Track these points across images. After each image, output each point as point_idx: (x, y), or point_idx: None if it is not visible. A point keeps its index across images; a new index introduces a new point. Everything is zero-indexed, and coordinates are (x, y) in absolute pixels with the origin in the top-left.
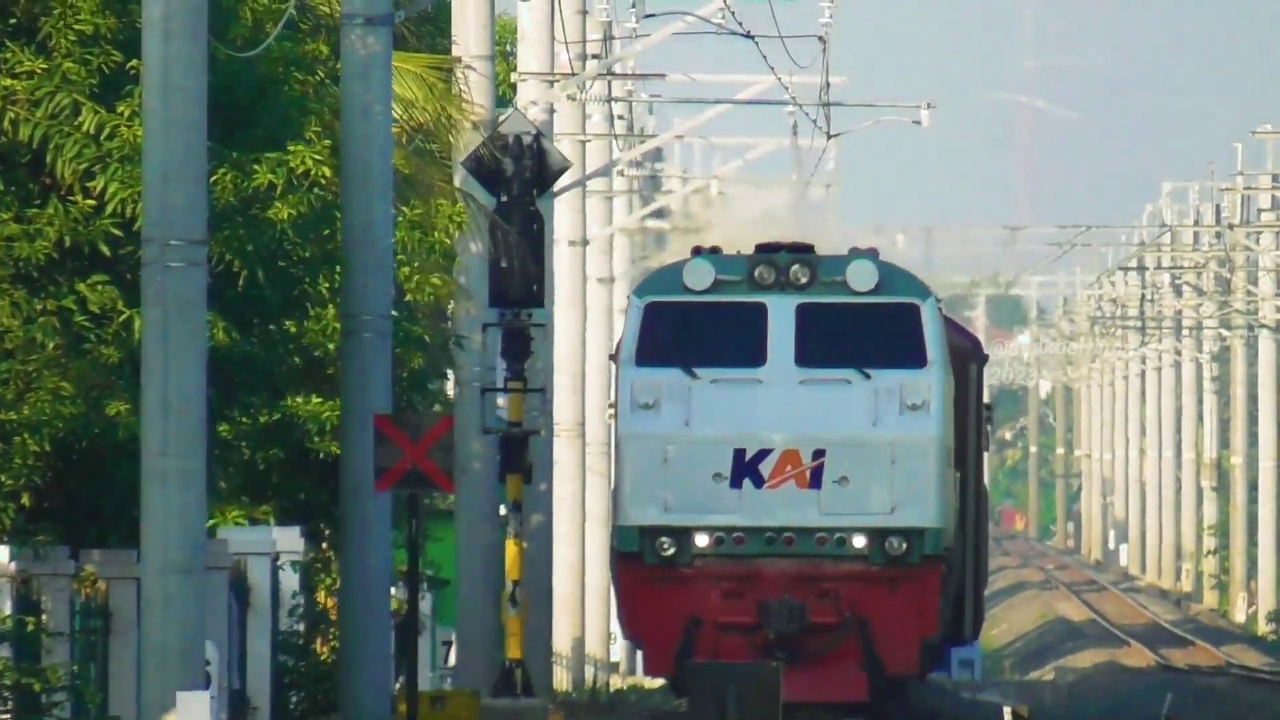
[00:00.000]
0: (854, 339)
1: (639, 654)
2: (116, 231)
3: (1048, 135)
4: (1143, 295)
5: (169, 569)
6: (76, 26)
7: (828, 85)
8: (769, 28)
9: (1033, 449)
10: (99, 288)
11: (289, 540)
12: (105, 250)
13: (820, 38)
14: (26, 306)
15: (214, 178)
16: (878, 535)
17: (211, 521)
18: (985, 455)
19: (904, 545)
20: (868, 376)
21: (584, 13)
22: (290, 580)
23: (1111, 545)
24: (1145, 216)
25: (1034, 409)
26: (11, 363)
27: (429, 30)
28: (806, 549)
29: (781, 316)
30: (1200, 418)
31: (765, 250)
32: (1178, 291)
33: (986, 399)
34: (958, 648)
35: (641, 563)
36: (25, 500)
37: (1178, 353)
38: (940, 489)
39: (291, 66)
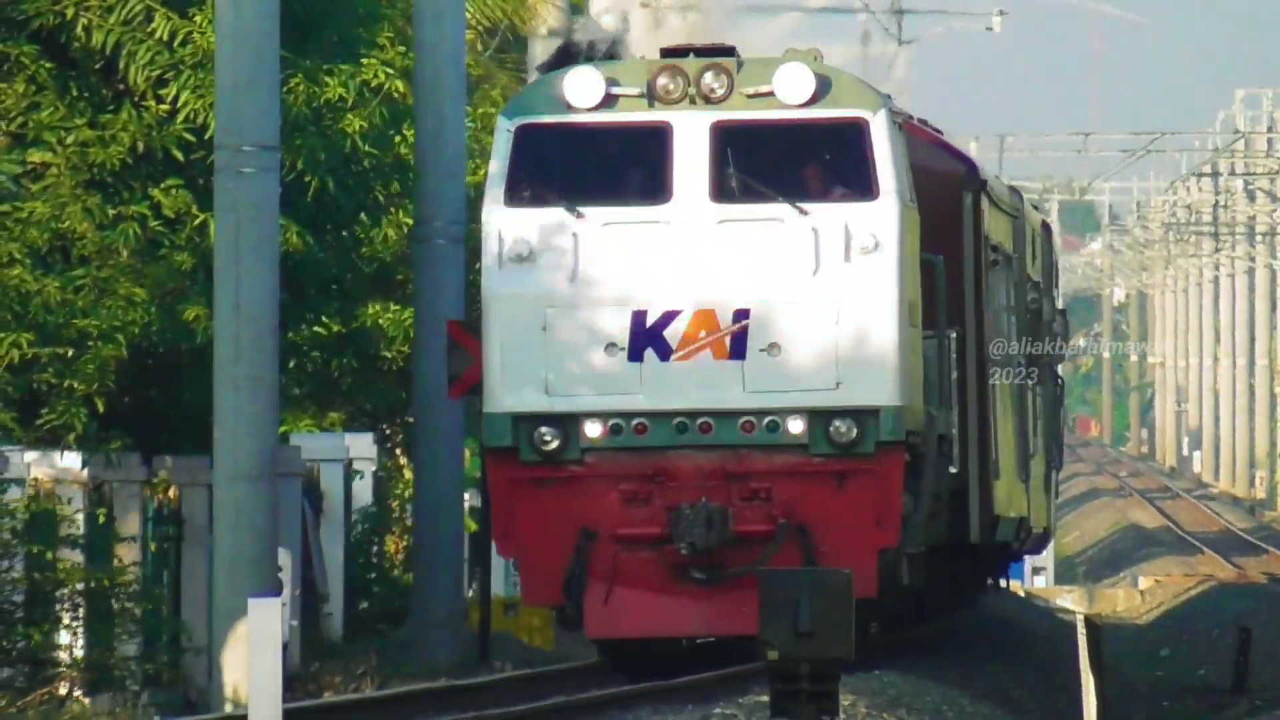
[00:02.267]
0: (785, 165)
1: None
2: (189, 137)
3: (1120, 41)
4: (1216, 202)
5: (241, 476)
6: None
7: None
8: None
9: (1106, 356)
10: (173, 192)
11: (362, 447)
12: (178, 155)
13: None
14: (100, 212)
15: (286, 87)
16: (819, 418)
17: (283, 428)
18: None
19: (853, 430)
20: (803, 213)
21: None
22: (363, 487)
23: (1185, 452)
24: (1218, 123)
25: (1107, 316)
26: (86, 268)
27: None
28: (728, 438)
29: (691, 139)
30: (1274, 325)
31: (671, 55)
32: (1251, 197)
33: (1060, 304)
34: (1032, 554)
35: (517, 460)
36: (99, 406)
37: (1251, 259)
38: (901, 356)
39: None
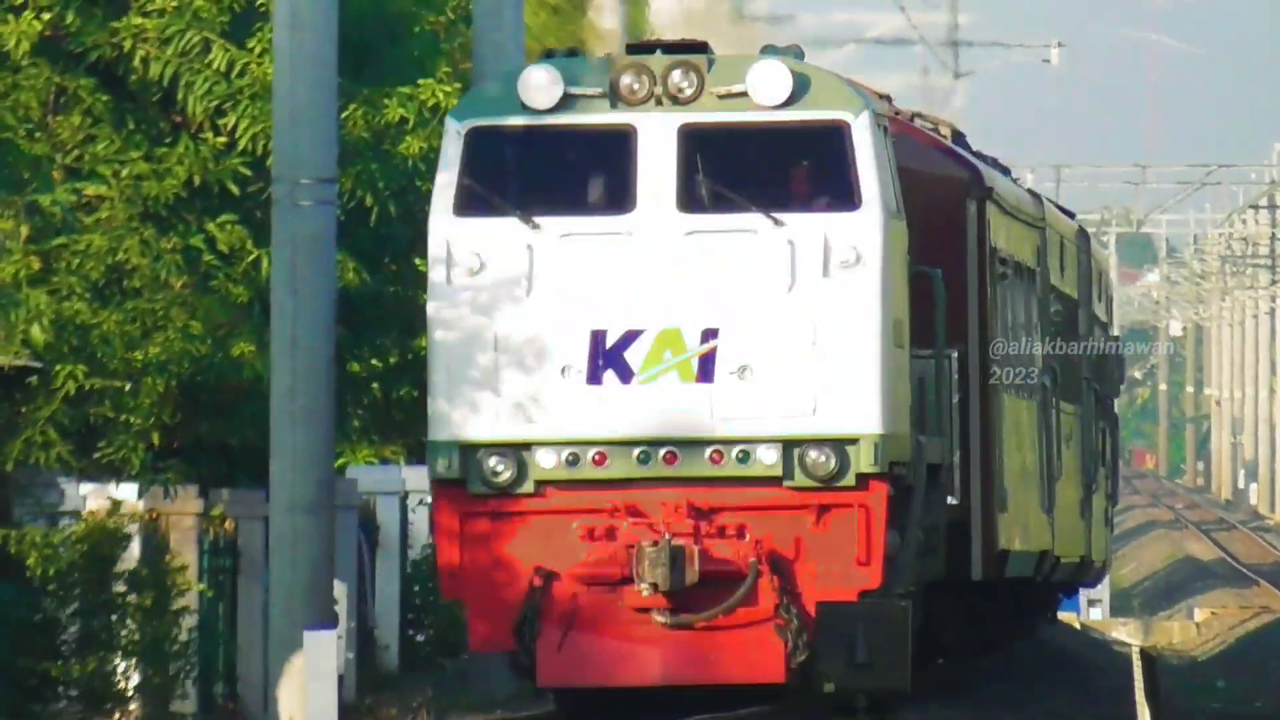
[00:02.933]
0: (759, 172)
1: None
2: (245, 170)
3: (1176, 73)
4: (1273, 234)
5: (297, 508)
6: None
7: (956, 24)
8: None
9: (1162, 388)
10: (228, 227)
11: (419, 479)
12: (234, 189)
13: None
14: (155, 245)
15: (344, 114)
16: (795, 447)
17: (340, 460)
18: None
19: (831, 461)
20: (778, 224)
21: None
22: (420, 519)
23: (1241, 484)
24: (1275, 155)
25: (1163, 348)
26: (139, 301)
27: None
28: (695, 469)
29: (657, 143)
30: None
31: (637, 52)
32: None
33: (1115, 331)
34: (1087, 587)
35: (465, 493)
36: (154, 439)
37: None
38: (884, 380)
39: (421, 5)
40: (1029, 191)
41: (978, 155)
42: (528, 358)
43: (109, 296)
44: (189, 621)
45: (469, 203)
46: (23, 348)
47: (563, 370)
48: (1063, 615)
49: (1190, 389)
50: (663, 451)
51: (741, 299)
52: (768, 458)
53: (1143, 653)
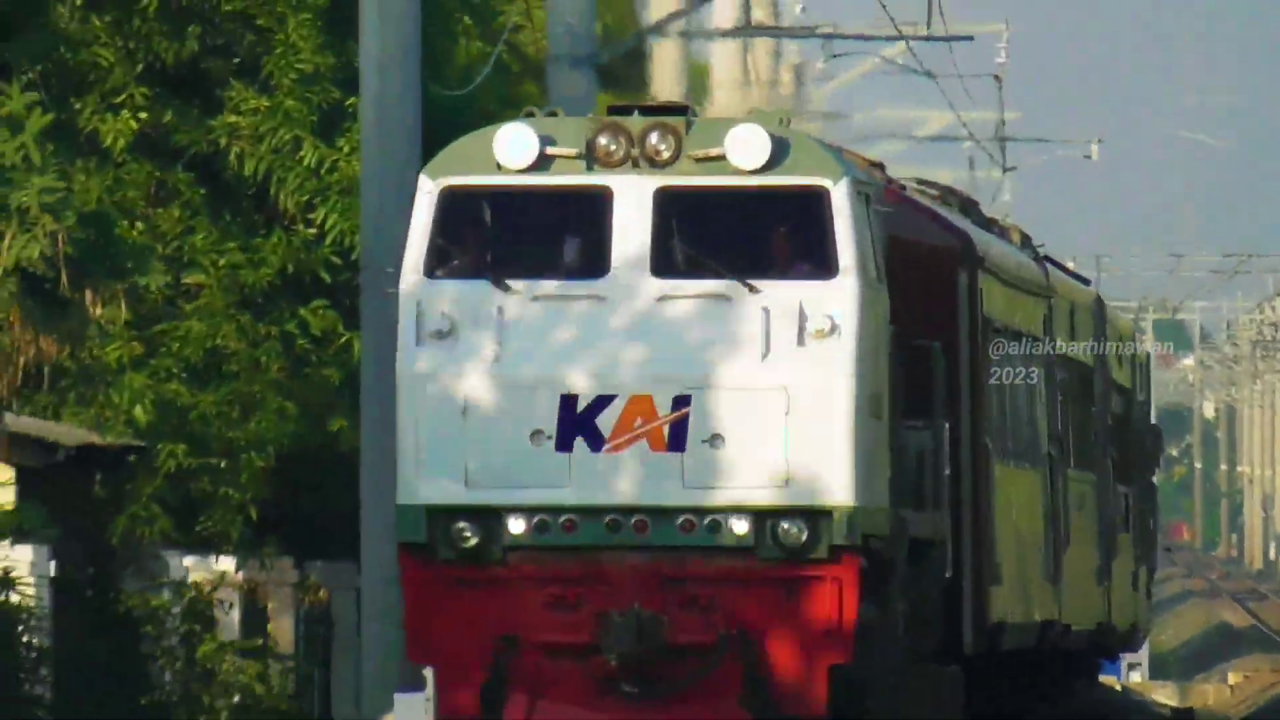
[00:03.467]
0: (735, 237)
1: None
2: (336, 260)
3: (1210, 167)
4: None
5: (388, 580)
6: (297, 65)
7: (1003, 122)
8: (947, 68)
9: (1198, 466)
10: (320, 312)
11: None
12: (325, 277)
13: (995, 76)
14: (251, 330)
15: None
16: (766, 518)
17: None
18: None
19: (803, 533)
20: (753, 290)
21: (777, 55)
22: None
23: (1272, 555)
24: None
25: (1198, 428)
26: (237, 384)
27: (631, 70)
28: (665, 538)
29: (633, 205)
30: None
31: (615, 113)
32: None
33: (1153, 418)
34: (1128, 651)
35: (433, 558)
36: (252, 514)
37: None
38: (859, 452)
39: (502, 105)
40: (1040, 258)
41: (987, 222)
42: (497, 422)
43: (208, 379)
44: (288, 687)
45: (440, 263)
46: (126, 427)
47: (532, 435)
48: (1104, 678)
49: (1224, 466)
50: (633, 520)
51: (714, 366)
52: (739, 528)
53: (1176, 713)
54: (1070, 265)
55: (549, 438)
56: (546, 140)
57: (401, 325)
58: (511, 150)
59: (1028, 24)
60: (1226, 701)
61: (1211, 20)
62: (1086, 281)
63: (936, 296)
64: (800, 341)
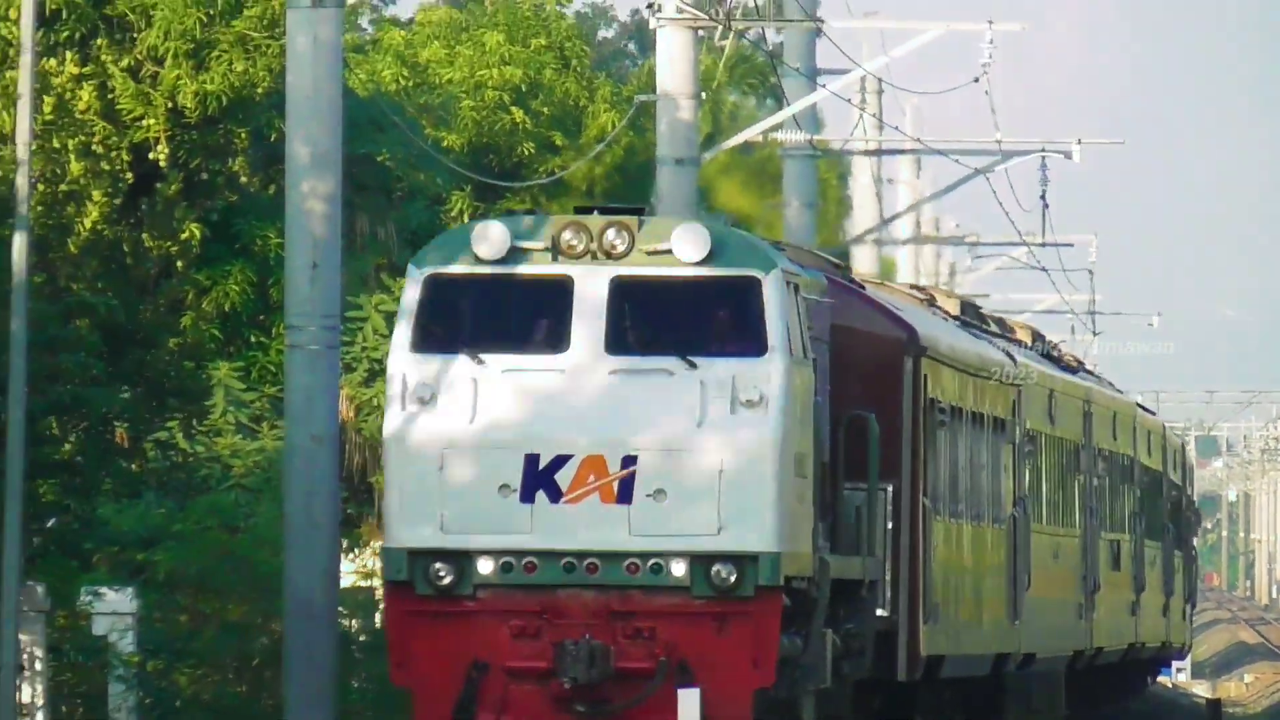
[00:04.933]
0: (678, 320)
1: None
2: None
3: (1238, 338)
4: None
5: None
6: None
7: (1093, 301)
8: (1054, 264)
9: (1224, 534)
10: None
11: None
12: None
13: (1089, 270)
14: None
15: None
16: (701, 561)
17: None
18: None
19: (733, 574)
20: (692, 366)
21: (938, 254)
22: None
23: (1274, 595)
24: None
25: (1225, 508)
26: None
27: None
28: (613, 578)
29: (590, 292)
30: None
31: (580, 213)
32: None
33: (1194, 498)
34: (1178, 659)
35: (412, 593)
36: None
37: None
38: (781, 505)
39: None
40: (1049, 355)
41: (982, 318)
42: (470, 477)
43: None
44: None
45: (424, 340)
46: None
47: (500, 489)
48: (1162, 679)
49: (1241, 534)
50: (586, 562)
51: (658, 430)
52: (678, 570)
53: (1209, 701)
54: (1138, 397)
55: (514, 491)
56: (518, 235)
57: (390, 392)
58: (486, 244)
59: (1112, 232)
60: (1243, 694)
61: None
62: (1073, 369)
63: (883, 378)
64: (732, 410)
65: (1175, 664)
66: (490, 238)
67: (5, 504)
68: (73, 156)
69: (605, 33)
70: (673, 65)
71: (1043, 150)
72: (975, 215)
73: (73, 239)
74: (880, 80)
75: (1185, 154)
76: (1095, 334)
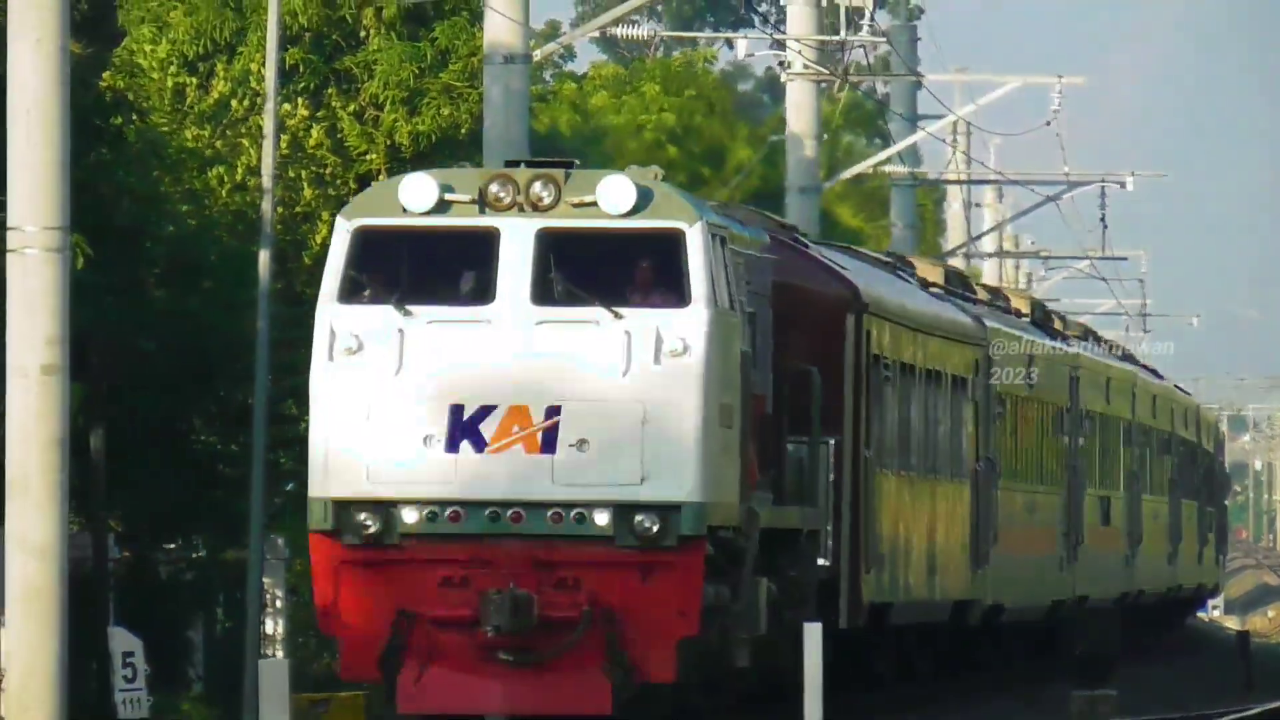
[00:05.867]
0: (604, 271)
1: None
2: None
3: (1259, 335)
4: None
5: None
6: None
7: (1145, 304)
8: (1112, 274)
9: (1251, 495)
10: None
11: None
12: None
13: (1140, 280)
14: None
15: None
16: (625, 511)
17: None
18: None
19: (656, 524)
20: (617, 317)
21: (1016, 265)
22: None
23: None
24: None
25: (1252, 475)
26: None
27: None
28: (537, 528)
29: (517, 244)
30: None
31: (509, 166)
32: None
33: (1226, 465)
34: (1211, 598)
35: (338, 543)
36: None
37: None
38: (705, 455)
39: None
40: (1044, 325)
41: (966, 284)
42: (396, 427)
43: None
44: None
45: (351, 292)
46: None
47: (425, 439)
48: (1200, 614)
49: (1265, 495)
50: (510, 511)
51: (583, 381)
52: (601, 520)
53: (1239, 632)
54: (1194, 385)
55: (439, 441)
56: (445, 188)
57: (316, 344)
58: (414, 196)
59: (1160, 246)
60: (1267, 627)
61: None
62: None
63: (826, 334)
64: (657, 360)
65: (1210, 602)
66: (418, 190)
67: (252, 471)
68: (306, 185)
69: (744, 85)
70: (799, 111)
71: (1102, 181)
72: (1047, 234)
73: (306, 252)
74: (968, 123)
75: (1218, 183)
76: (1146, 331)
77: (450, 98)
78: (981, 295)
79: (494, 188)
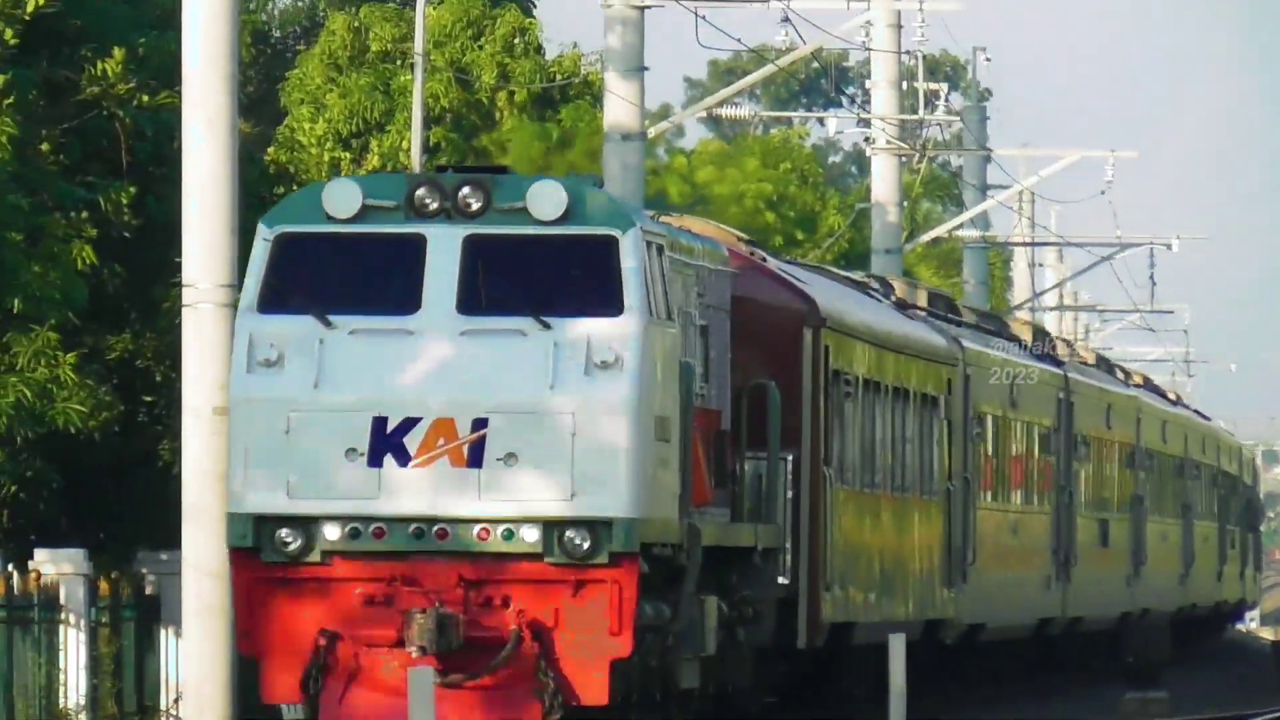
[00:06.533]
0: (534, 279)
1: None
2: None
3: None
4: None
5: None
6: None
7: (1188, 351)
8: (1160, 325)
9: None
10: None
11: None
12: None
13: (1184, 330)
14: None
15: None
16: (554, 528)
17: None
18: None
19: (586, 540)
20: (547, 327)
21: (1075, 318)
22: None
23: None
24: None
25: None
26: None
27: None
28: (465, 545)
29: (443, 251)
30: None
31: (438, 171)
32: None
33: (1261, 495)
34: (1249, 610)
35: (259, 560)
36: None
37: None
38: (638, 469)
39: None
40: (1045, 355)
41: (954, 310)
42: (317, 441)
43: None
44: None
45: (271, 300)
46: None
47: (347, 453)
48: (1239, 626)
49: None
50: (435, 528)
51: (510, 392)
52: (530, 536)
53: (1273, 643)
54: (1220, 423)
55: (361, 455)
56: (370, 193)
57: (234, 354)
58: (337, 202)
59: (1204, 301)
60: None
61: None
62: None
63: (784, 349)
64: (587, 371)
65: (1248, 614)
66: (341, 195)
67: None
68: None
69: (834, 159)
70: (883, 182)
71: (1150, 243)
72: (1101, 290)
73: None
74: (1032, 193)
75: (1255, 243)
76: (1190, 377)
77: (575, 172)
78: (968, 318)
79: (421, 193)
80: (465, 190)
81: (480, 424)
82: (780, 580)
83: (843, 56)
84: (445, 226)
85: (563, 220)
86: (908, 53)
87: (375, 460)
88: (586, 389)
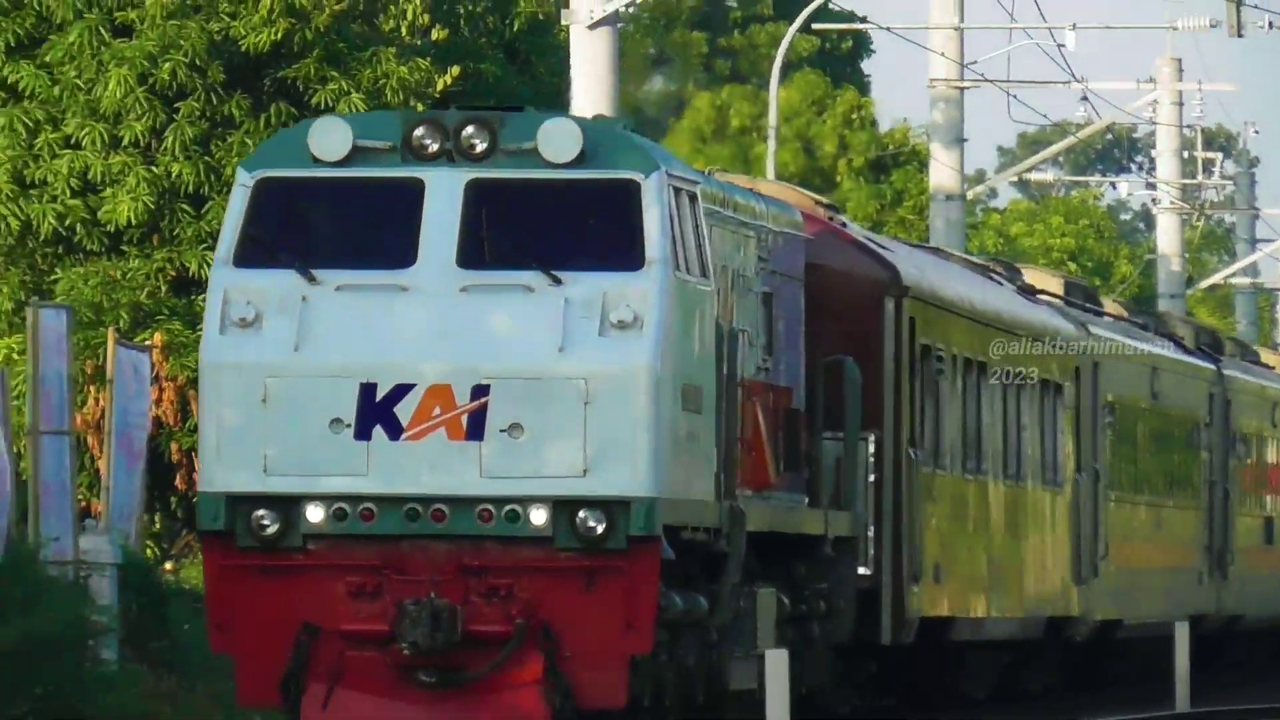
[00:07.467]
0: (543, 230)
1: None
2: None
3: None
4: None
5: None
6: None
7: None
8: None
9: None
10: None
11: None
12: None
13: None
14: None
15: None
16: (565, 508)
17: None
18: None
19: (602, 523)
20: (557, 282)
21: None
22: None
23: None
24: None
25: None
26: None
27: None
28: (463, 527)
29: (443, 198)
30: None
31: (438, 108)
32: None
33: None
34: None
35: (233, 546)
36: None
37: None
38: (659, 442)
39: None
40: (1156, 329)
41: (1026, 288)
42: (297, 411)
43: None
44: None
45: (250, 254)
46: None
47: (332, 424)
48: None
49: None
50: (431, 509)
51: (515, 356)
52: (537, 518)
53: None
54: None
55: (348, 426)
56: (361, 134)
57: (208, 314)
58: (325, 143)
59: None
60: None
61: None
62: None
63: (863, 321)
64: (601, 332)
65: None
66: (329, 135)
67: None
68: None
69: (1125, 216)
70: (1167, 236)
71: None
72: None
73: None
74: None
75: None
76: None
77: (904, 227)
78: (1112, 310)
79: (419, 133)
80: (469, 130)
81: (481, 391)
82: (862, 570)
83: (1133, 129)
84: (446, 170)
85: (577, 163)
86: (1188, 126)
87: (363, 433)
88: (601, 352)
